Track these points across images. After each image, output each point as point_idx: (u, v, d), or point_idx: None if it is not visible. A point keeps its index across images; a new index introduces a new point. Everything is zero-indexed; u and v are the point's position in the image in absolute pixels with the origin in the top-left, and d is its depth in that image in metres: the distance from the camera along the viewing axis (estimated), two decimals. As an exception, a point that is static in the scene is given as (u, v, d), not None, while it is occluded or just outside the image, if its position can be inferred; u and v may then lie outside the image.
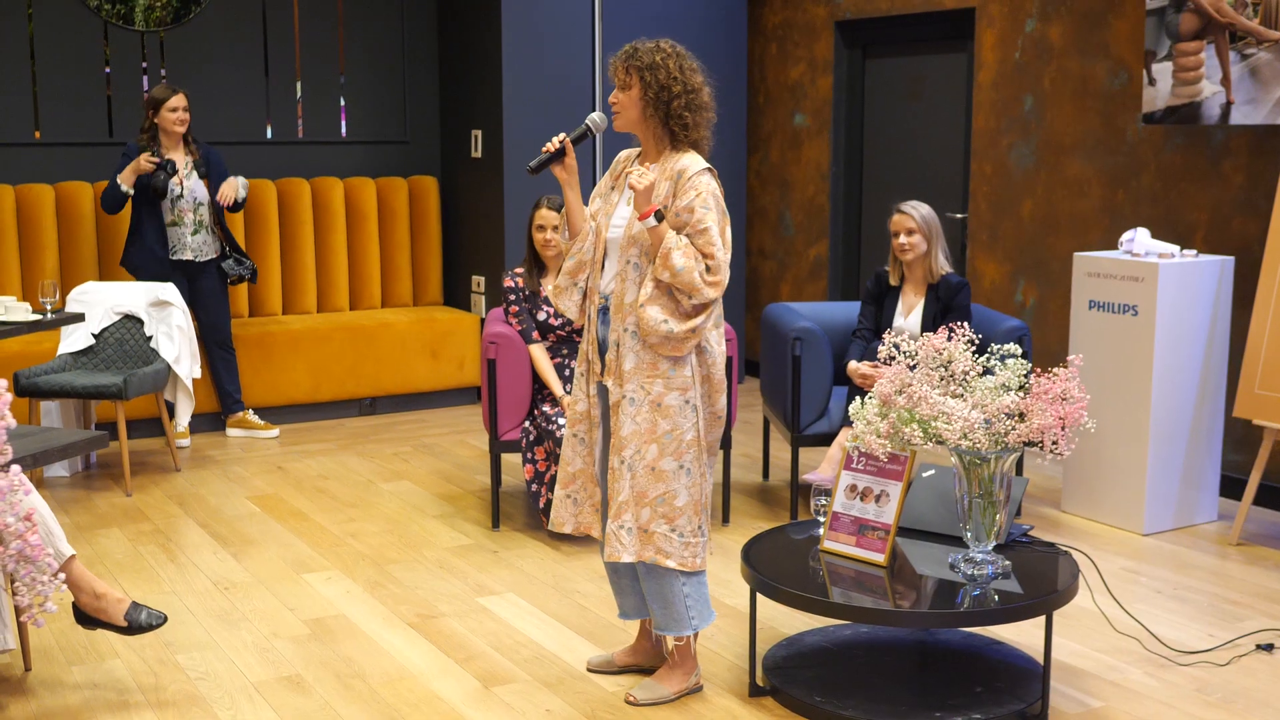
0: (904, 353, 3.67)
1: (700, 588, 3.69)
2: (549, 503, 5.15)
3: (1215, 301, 5.32)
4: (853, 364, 5.32)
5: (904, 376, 3.62)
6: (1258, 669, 3.96)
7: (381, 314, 7.67)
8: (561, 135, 3.63)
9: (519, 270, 5.40)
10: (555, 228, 5.27)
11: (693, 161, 3.54)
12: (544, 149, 3.62)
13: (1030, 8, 6.46)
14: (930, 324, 5.24)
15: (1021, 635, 4.11)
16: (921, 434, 3.53)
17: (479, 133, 7.58)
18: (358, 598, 4.59)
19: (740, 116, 8.07)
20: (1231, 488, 5.62)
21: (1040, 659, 3.87)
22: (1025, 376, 3.56)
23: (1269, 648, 4.10)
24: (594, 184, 6.77)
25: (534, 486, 5.20)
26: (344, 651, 4.12)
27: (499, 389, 5.24)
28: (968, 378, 3.58)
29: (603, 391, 3.69)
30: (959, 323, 3.71)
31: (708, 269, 3.46)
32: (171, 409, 6.44)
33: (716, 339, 3.62)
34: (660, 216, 3.47)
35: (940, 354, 3.64)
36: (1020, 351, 3.63)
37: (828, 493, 3.91)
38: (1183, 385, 5.28)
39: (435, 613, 4.44)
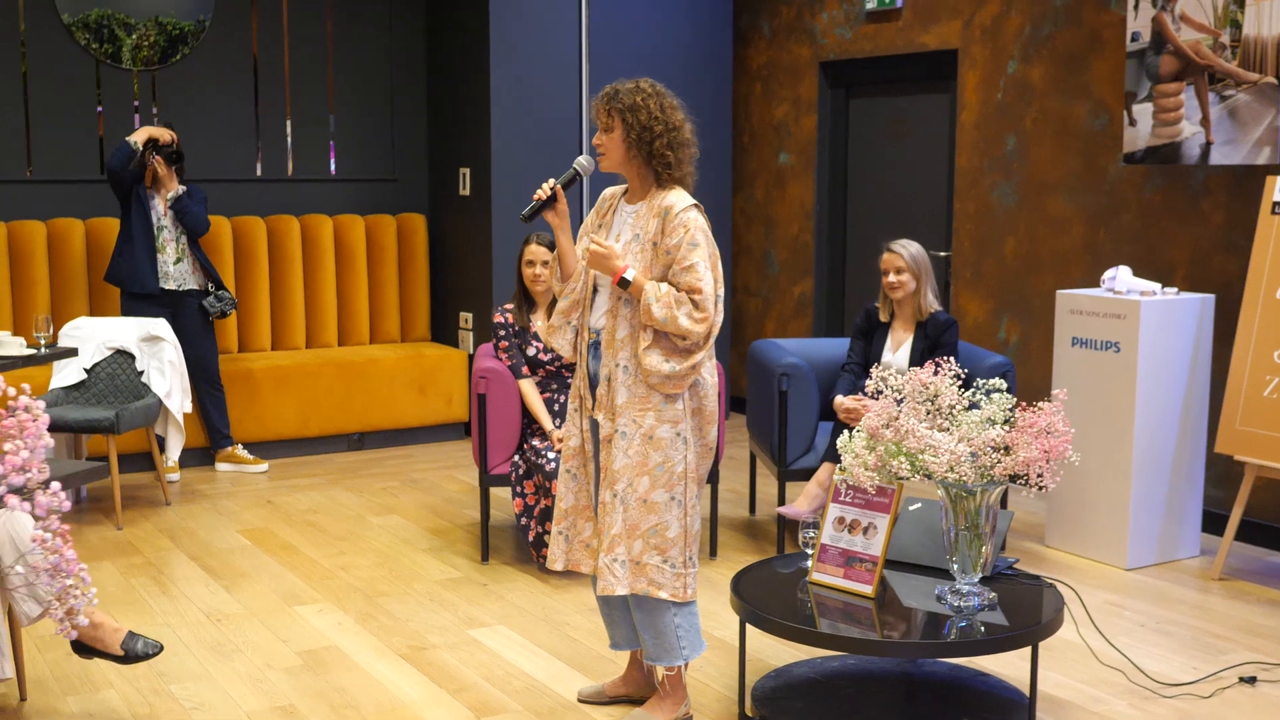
0: (891, 387, 3.73)
1: (691, 618, 3.74)
2: (538, 536, 5.19)
3: (1196, 338, 5.40)
4: (839, 398, 5.38)
5: (891, 410, 3.68)
6: (1240, 701, 4.02)
7: (370, 350, 7.72)
8: (551, 181, 3.69)
9: (509, 306, 5.46)
10: (545, 263, 5.34)
11: (679, 198, 3.61)
12: (535, 196, 3.68)
13: (1012, 49, 6.58)
14: (918, 360, 5.31)
15: (1006, 667, 4.16)
16: (909, 467, 3.58)
17: (467, 171, 7.66)
18: (349, 629, 4.62)
19: (725, 155, 8.17)
20: (1212, 523, 5.69)
21: (1024, 690, 3.93)
22: (1010, 411, 3.63)
23: (1251, 680, 4.15)
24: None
25: (523, 520, 5.24)
26: (337, 682, 4.15)
27: (489, 423, 5.28)
28: (954, 412, 3.64)
29: (594, 426, 3.74)
30: (945, 358, 3.78)
31: (694, 305, 3.52)
32: (162, 443, 6.47)
33: (708, 371, 3.69)
34: (625, 283, 3.54)
35: (927, 388, 3.71)
36: (1005, 386, 3.69)
37: (815, 525, 3.97)
38: (1165, 421, 5.36)
39: (426, 644, 4.48)
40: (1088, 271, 6.25)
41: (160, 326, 6.28)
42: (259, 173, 7.75)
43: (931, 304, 5.43)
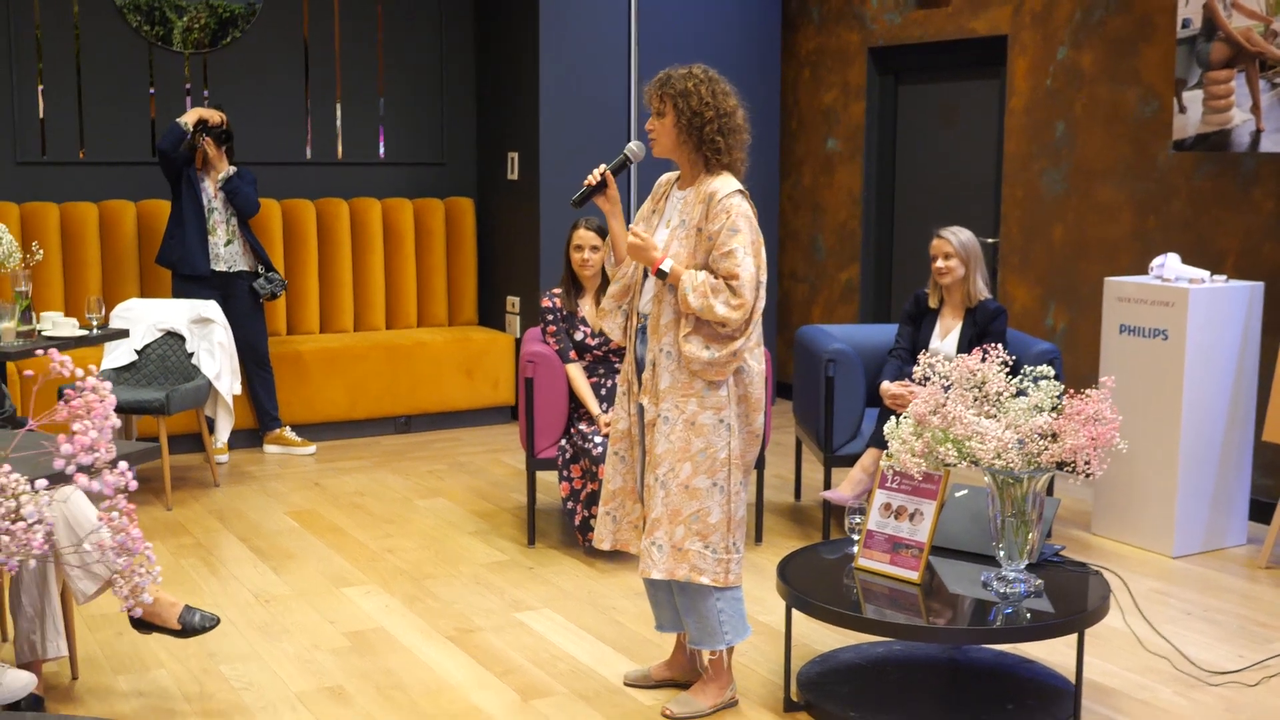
0: (939, 374, 3.73)
1: (735, 603, 3.75)
2: (584, 520, 5.22)
3: (1245, 326, 5.36)
4: (885, 384, 5.37)
5: (939, 397, 3.68)
6: (1288, 690, 4.00)
7: (417, 333, 7.77)
8: (601, 167, 3.71)
9: (556, 291, 5.49)
10: (593, 248, 5.36)
11: (724, 184, 3.62)
12: (585, 182, 3.70)
13: (1062, 35, 6.53)
14: (966, 347, 5.29)
15: (1052, 654, 4.15)
16: (956, 453, 3.58)
17: (515, 155, 7.69)
18: (396, 611, 4.67)
19: (774, 141, 8.16)
20: (1259, 511, 5.65)
21: (1070, 678, 3.93)
22: (1058, 398, 3.62)
23: (1299, 670, 4.14)
24: (635, 209, 6.89)
25: (570, 504, 5.27)
26: (384, 664, 4.19)
27: (536, 407, 5.32)
28: (1001, 399, 3.64)
29: (641, 410, 3.77)
30: (993, 344, 3.77)
31: (732, 291, 3.53)
32: (211, 424, 6.54)
33: (755, 358, 3.69)
34: (662, 274, 3.56)
35: (974, 375, 3.70)
36: (1053, 373, 3.68)
37: (862, 511, 3.98)
38: (1212, 409, 5.32)
39: (473, 627, 4.52)
40: (1136, 259, 6.21)
41: (210, 308, 6.35)
42: (308, 156, 7.81)
43: (981, 291, 5.41)
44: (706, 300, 3.52)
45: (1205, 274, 5.38)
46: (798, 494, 6.17)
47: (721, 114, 3.60)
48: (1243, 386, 5.38)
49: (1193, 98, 5.74)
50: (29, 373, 5.68)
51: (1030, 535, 3.67)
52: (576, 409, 5.42)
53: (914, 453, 3.69)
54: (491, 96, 7.98)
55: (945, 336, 5.46)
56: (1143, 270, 6.06)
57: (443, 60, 8.06)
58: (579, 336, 5.42)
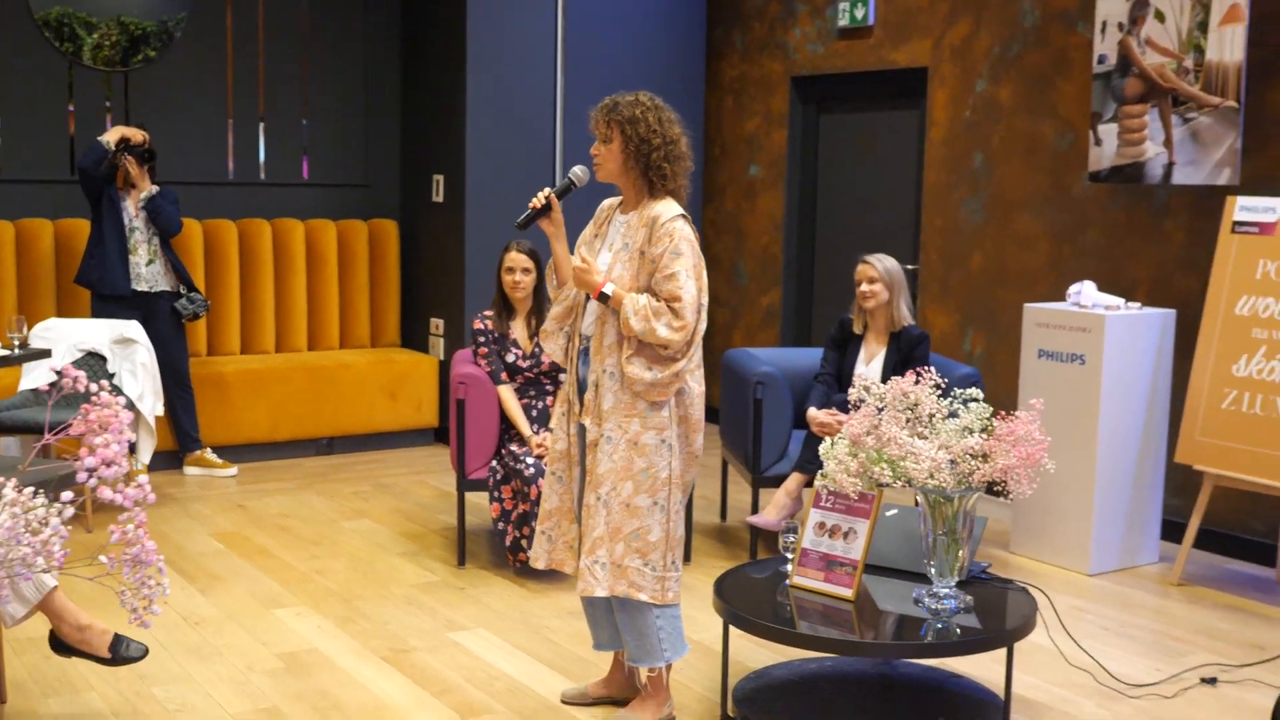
0: (874, 394, 3.82)
1: (673, 620, 3.81)
2: (515, 540, 5.25)
3: (1158, 352, 5.54)
4: (812, 411, 5.46)
5: (873, 419, 3.77)
6: (1203, 701, 4.14)
7: (340, 355, 7.74)
8: (546, 190, 3.76)
9: (488, 313, 5.52)
10: (525, 270, 5.41)
11: (666, 208, 3.69)
12: (530, 205, 3.75)
13: (981, 69, 6.71)
14: (890, 373, 5.40)
15: (977, 669, 4.25)
16: (891, 473, 3.68)
17: (440, 178, 7.71)
18: (329, 633, 4.66)
19: (697, 167, 8.20)
20: (1170, 531, 5.83)
21: (995, 691, 4.04)
22: (987, 419, 3.73)
23: (1212, 681, 4.28)
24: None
25: (500, 524, 5.29)
26: (320, 685, 4.18)
27: (468, 428, 5.33)
28: (934, 420, 3.74)
29: (581, 431, 3.81)
30: (925, 368, 3.87)
31: (674, 313, 3.60)
32: (132, 446, 6.46)
33: (696, 380, 3.76)
34: (604, 298, 3.62)
35: (907, 397, 3.80)
36: (982, 396, 3.79)
37: (795, 530, 4.05)
38: (1127, 432, 5.49)
39: (407, 647, 4.52)
40: (1053, 287, 6.39)
41: (133, 329, 6.28)
42: (231, 175, 7.76)
43: (905, 316, 5.53)
44: (648, 323, 3.58)
45: (1120, 301, 5.56)
46: (723, 514, 6.25)
47: (668, 141, 3.68)
48: (1155, 410, 5.56)
49: (1108, 131, 5.93)
50: None
51: (960, 553, 3.77)
52: (507, 430, 5.45)
53: (849, 472, 3.78)
54: (416, 119, 7.99)
55: (870, 362, 5.57)
56: (1059, 297, 6.23)
57: (368, 82, 8.06)
58: (510, 358, 5.46)
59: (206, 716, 3.92)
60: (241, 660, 4.38)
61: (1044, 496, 5.54)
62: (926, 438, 3.72)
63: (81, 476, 1.74)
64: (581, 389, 3.80)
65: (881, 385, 3.84)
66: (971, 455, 3.66)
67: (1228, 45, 5.45)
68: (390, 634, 4.65)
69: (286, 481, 6.90)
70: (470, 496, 6.15)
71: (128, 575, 1.63)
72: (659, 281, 3.62)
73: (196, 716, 3.93)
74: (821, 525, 3.96)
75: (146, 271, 6.69)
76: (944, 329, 6.95)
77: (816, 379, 5.67)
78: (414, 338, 8.12)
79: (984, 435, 3.70)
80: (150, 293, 6.70)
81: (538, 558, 3.92)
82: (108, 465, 1.73)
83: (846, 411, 5.34)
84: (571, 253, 3.83)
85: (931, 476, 3.61)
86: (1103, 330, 5.38)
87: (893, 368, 5.44)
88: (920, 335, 5.48)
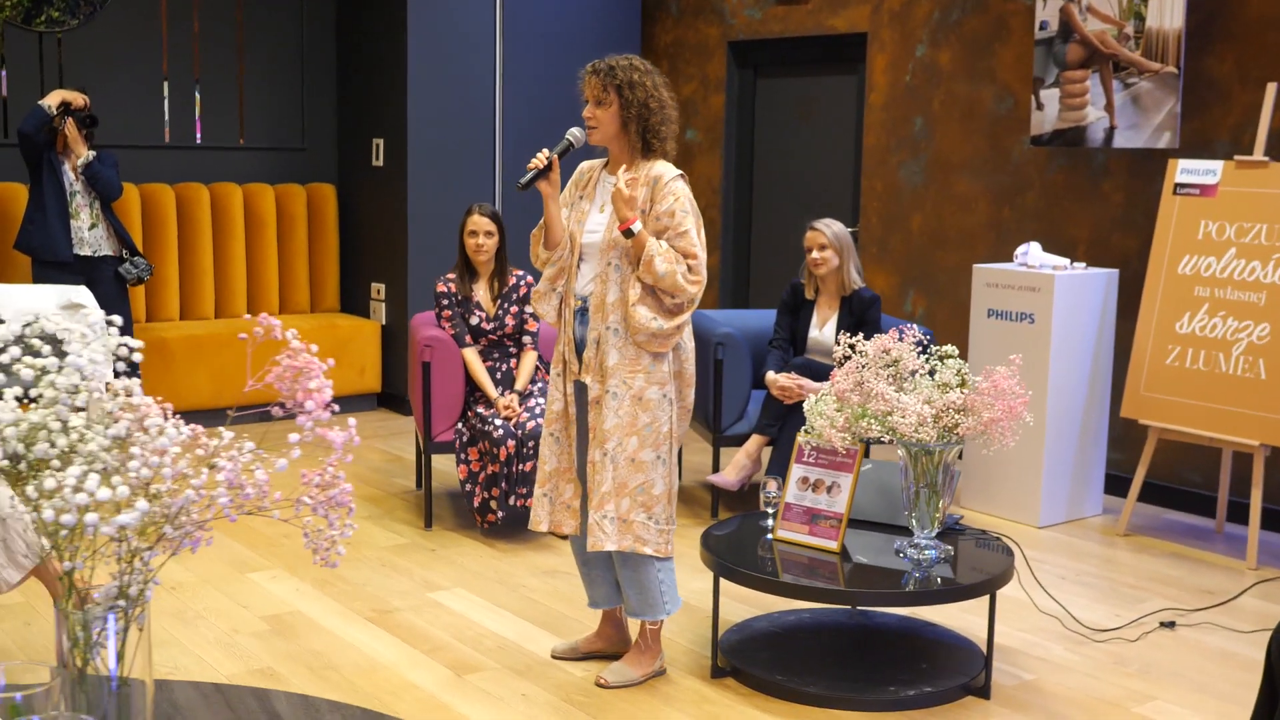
0: (859, 352, 3.93)
1: (671, 574, 3.90)
2: (484, 501, 5.30)
3: (1103, 311, 5.75)
4: (770, 374, 5.57)
5: (857, 375, 3.89)
6: (1164, 643, 4.35)
7: (281, 320, 7.67)
8: (546, 151, 3.80)
9: (451, 276, 5.54)
10: (487, 233, 5.44)
11: (666, 169, 3.77)
12: (530, 166, 3.78)
13: (920, 34, 6.85)
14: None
15: (950, 619, 4.42)
16: (879, 427, 3.80)
17: (380, 141, 7.67)
18: (309, 595, 4.68)
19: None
20: (1113, 484, 6.06)
21: (970, 638, 4.20)
22: (964, 374, 3.86)
23: (1171, 625, 4.49)
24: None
25: (468, 486, 5.34)
26: (310, 645, 4.21)
27: (433, 392, 5.37)
28: (915, 376, 3.87)
29: (580, 389, 3.88)
30: (907, 326, 3.99)
31: (689, 269, 3.69)
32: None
33: (688, 335, 3.85)
34: (629, 233, 3.68)
35: (888, 354, 3.92)
36: (956, 352, 3.93)
37: (778, 487, 4.16)
38: (1074, 388, 5.69)
39: (390, 608, 4.56)
40: (992, 247, 6.57)
41: (81, 293, 6.16)
42: (167, 139, 7.65)
43: (855, 280, 5.65)
44: (672, 267, 3.65)
45: (1066, 261, 5.75)
46: (680, 474, 6.34)
47: (663, 105, 3.75)
48: (1100, 367, 5.77)
49: (1050, 96, 6.11)
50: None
51: (940, 504, 3.92)
52: (472, 392, 5.49)
53: (835, 426, 3.89)
54: (353, 83, 7.94)
55: (823, 326, 5.69)
56: (999, 258, 6.42)
57: (304, 45, 7.98)
58: (474, 321, 5.49)
59: (200, 678, 3.93)
60: (226, 623, 4.39)
61: (992, 453, 5.70)
62: (908, 393, 3.85)
63: (302, 420, 1.78)
64: (579, 348, 3.86)
65: (866, 342, 3.95)
66: (954, 409, 3.80)
67: (1168, 12, 5.65)
68: (370, 595, 4.68)
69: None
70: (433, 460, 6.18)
71: (321, 515, 1.66)
72: (672, 239, 3.69)
73: (190, 678, 3.93)
74: (805, 480, 4.07)
75: (89, 236, 6.58)
76: (885, 290, 7.11)
77: (771, 344, 5.77)
78: (354, 303, 8.09)
79: (963, 390, 3.84)
80: (93, 257, 6.60)
81: (540, 521, 3.96)
82: (325, 409, 1.77)
83: (804, 375, 5.48)
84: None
85: (917, 430, 3.74)
86: (1052, 290, 5.56)
87: (846, 330, 5.56)
88: (872, 298, 5.61)
